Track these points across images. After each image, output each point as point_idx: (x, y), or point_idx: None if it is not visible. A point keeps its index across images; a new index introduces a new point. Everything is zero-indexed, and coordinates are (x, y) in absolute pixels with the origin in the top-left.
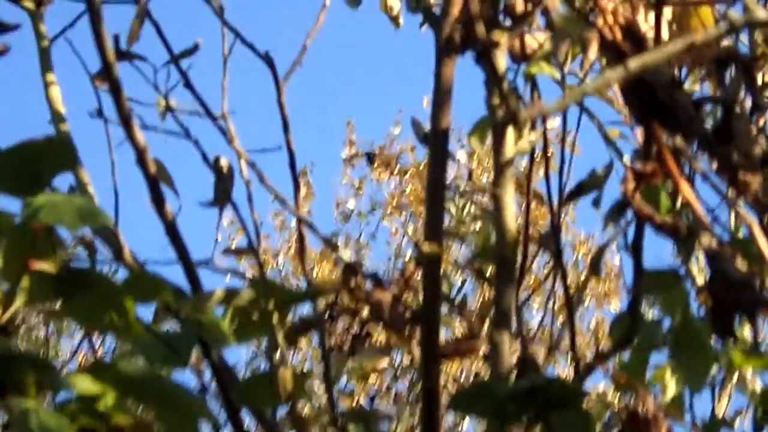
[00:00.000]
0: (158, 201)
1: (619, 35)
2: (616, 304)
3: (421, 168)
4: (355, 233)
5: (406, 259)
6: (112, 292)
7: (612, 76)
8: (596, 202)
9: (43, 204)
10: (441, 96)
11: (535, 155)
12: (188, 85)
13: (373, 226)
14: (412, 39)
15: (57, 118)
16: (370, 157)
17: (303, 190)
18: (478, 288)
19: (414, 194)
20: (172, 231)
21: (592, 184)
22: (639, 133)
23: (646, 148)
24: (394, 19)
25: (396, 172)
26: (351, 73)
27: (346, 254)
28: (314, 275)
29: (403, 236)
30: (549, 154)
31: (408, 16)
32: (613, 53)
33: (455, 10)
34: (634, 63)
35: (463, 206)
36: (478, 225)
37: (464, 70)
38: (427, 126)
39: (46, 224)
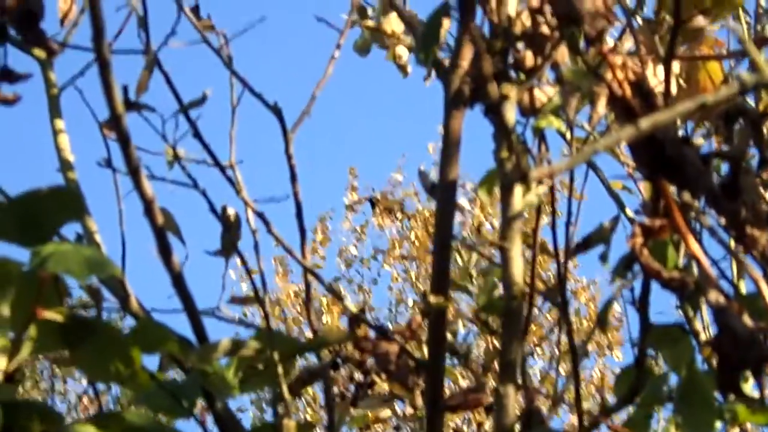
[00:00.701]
0: (165, 252)
1: (628, 90)
2: (618, 354)
3: (423, 214)
4: (357, 278)
5: (409, 305)
6: (119, 341)
7: (623, 135)
8: (603, 258)
9: (51, 253)
10: (449, 148)
11: (542, 206)
12: (197, 135)
13: (375, 271)
14: (416, 85)
15: (65, 166)
16: (373, 202)
17: (320, 236)
18: (480, 338)
19: (416, 240)
20: (179, 283)
21: (599, 238)
22: (642, 185)
23: (654, 203)
24: (402, 68)
25: (399, 217)
26: (354, 120)
27: (349, 300)
28: (322, 321)
29: (405, 282)
30: (555, 206)
31: (415, 64)
32: (621, 108)
33: (464, 63)
34: (646, 122)
35: (470, 258)
36: (483, 278)
37: (469, 119)
38: (434, 176)
39: (54, 273)
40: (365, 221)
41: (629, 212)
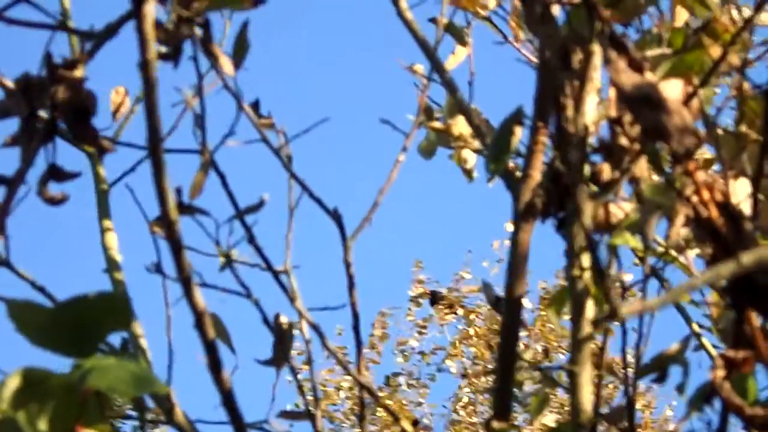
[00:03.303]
0: (215, 368)
1: (714, 212)
2: None
3: (485, 310)
4: (415, 373)
5: (462, 403)
6: None
7: (723, 272)
8: (680, 389)
9: (94, 368)
10: (517, 262)
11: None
12: (251, 241)
13: (434, 366)
14: (481, 182)
15: (112, 266)
16: (435, 297)
17: (378, 331)
18: None
19: (478, 337)
20: (228, 401)
21: (670, 361)
22: (712, 303)
23: (737, 331)
24: (468, 172)
25: (461, 314)
26: (419, 214)
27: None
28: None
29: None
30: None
31: (481, 169)
32: (706, 230)
33: (536, 173)
34: (748, 258)
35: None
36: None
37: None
38: (497, 288)
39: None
40: (429, 315)
41: (695, 327)
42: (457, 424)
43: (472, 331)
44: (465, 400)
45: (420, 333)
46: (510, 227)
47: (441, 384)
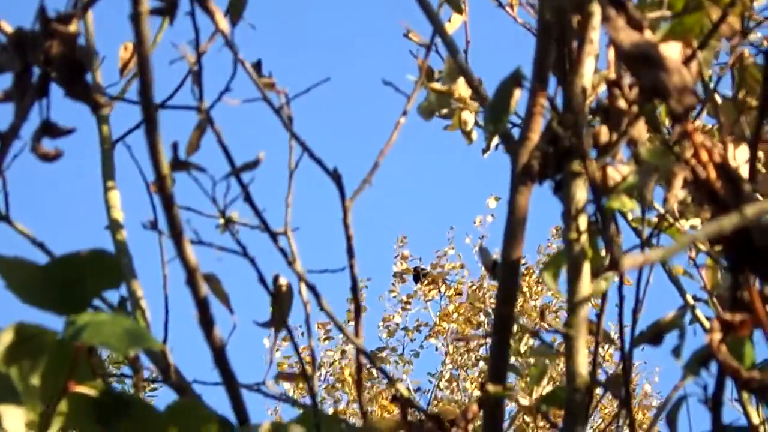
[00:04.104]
0: (207, 325)
1: (713, 173)
2: None
3: (469, 288)
4: (399, 348)
5: (445, 379)
6: (156, 420)
7: (725, 224)
8: (677, 353)
9: (87, 324)
10: (514, 225)
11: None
12: (248, 199)
13: (417, 343)
14: (464, 156)
15: (114, 225)
16: (418, 274)
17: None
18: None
19: (461, 313)
20: (220, 359)
21: (669, 327)
22: (705, 272)
23: (733, 294)
24: (467, 134)
25: (444, 291)
26: (407, 190)
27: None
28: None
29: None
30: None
31: (479, 133)
32: (705, 192)
33: (534, 136)
34: (751, 210)
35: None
36: (535, 360)
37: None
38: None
39: (89, 345)
40: (414, 291)
41: (690, 299)
42: (440, 400)
43: (452, 308)
44: (447, 375)
45: (404, 309)
46: (492, 203)
47: (425, 360)
